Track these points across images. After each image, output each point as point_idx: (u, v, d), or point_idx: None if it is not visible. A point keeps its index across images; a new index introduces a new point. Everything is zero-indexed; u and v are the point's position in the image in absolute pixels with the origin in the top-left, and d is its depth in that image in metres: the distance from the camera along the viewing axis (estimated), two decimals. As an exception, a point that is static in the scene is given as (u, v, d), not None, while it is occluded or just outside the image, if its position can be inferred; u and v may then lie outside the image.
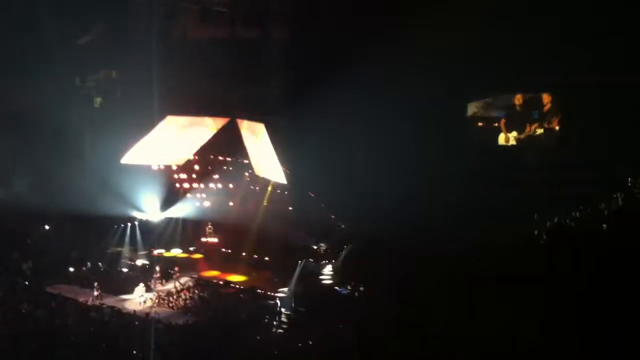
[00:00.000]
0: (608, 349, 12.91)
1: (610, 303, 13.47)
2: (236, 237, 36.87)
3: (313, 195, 32.74)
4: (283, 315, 25.46)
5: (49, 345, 16.88)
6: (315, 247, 33.88)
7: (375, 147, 25.28)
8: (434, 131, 24.39)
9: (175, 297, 27.34)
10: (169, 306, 26.80)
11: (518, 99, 25.36)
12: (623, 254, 14.47)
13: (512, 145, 25.57)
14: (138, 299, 26.84)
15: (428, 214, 22.70)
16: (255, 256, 35.25)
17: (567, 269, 15.23)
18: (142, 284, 27.73)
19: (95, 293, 27.33)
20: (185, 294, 27.60)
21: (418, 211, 23.00)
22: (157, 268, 30.84)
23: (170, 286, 29.40)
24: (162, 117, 31.87)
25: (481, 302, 16.53)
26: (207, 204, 37.75)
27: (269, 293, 28.47)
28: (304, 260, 31.28)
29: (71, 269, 30.61)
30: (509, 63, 22.64)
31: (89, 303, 25.88)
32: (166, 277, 30.70)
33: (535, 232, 19.04)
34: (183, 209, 36.49)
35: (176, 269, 31.36)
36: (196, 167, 37.40)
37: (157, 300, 27.09)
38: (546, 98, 24.73)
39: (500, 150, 25.70)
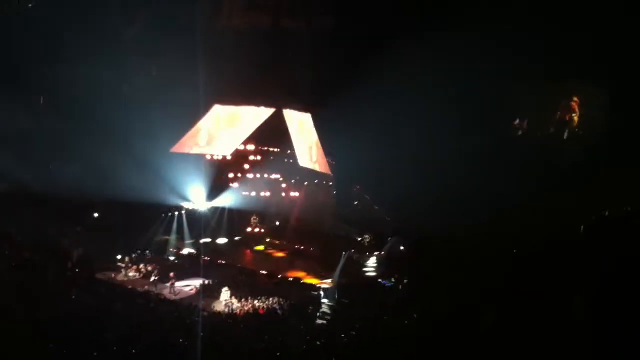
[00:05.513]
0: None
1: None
2: (281, 227, 37.00)
3: (359, 187, 32.46)
4: (326, 307, 25.33)
5: (96, 330, 17.09)
6: (359, 239, 33.65)
7: (423, 139, 24.71)
8: (484, 124, 23.78)
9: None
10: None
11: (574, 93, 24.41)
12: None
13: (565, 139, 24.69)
14: (224, 302, 25.69)
15: (476, 208, 22.17)
16: (301, 247, 35.31)
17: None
18: (226, 289, 26.34)
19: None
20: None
21: (466, 205, 22.52)
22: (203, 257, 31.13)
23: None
24: (209, 106, 32.12)
25: (528, 297, 16.10)
26: (252, 194, 37.91)
27: (313, 284, 28.41)
28: (348, 252, 31.09)
29: (119, 257, 31.19)
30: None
31: (136, 290, 26.20)
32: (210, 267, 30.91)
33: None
34: (229, 199, 36.75)
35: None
36: (243, 157, 37.48)
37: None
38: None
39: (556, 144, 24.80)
